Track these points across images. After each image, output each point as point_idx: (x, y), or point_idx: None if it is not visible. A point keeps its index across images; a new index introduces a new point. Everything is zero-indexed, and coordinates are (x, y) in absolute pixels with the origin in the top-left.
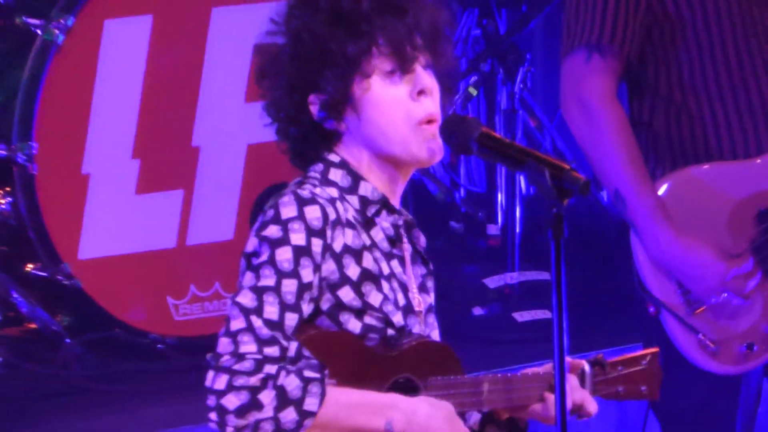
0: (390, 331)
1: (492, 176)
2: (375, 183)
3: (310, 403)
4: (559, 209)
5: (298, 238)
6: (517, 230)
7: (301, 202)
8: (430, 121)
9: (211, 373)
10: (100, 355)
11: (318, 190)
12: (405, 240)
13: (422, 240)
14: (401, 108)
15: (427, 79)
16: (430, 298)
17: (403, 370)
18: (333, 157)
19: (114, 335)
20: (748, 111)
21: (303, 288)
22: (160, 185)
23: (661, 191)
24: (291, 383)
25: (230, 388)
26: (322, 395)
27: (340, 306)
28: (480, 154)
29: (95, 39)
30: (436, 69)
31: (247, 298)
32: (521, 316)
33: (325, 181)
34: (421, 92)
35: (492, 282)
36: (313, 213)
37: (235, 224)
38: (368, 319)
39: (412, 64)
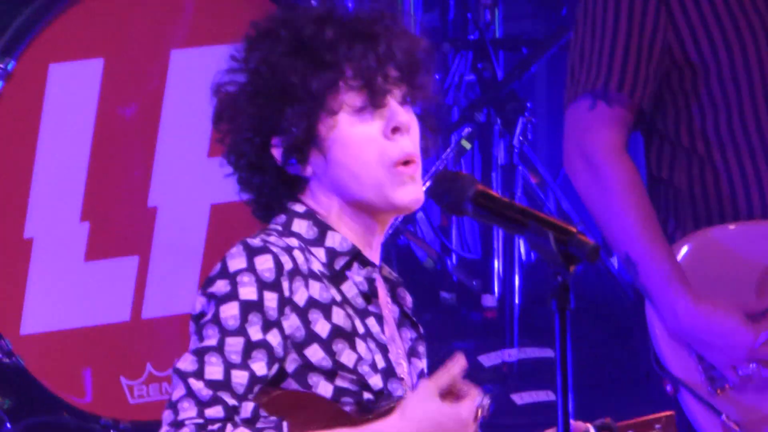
0: (367, 395)
1: (488, 240)
2: (347, 233)
3: None
4: (564, 277)
5: (247, 292)
6: (516, 301)
7: (251, 252)
8: (407, 162)
9: None
10: None
11: (272, 239)
12: (390, 301)
13: (408, 300)
14: (374, 148)
15: (404, 115)
16: (422, 364)
17: None
18: (298, 207)
19: (61, 420)
20: None
21: (252, 346)
22: (113, 251)
23: (680, 254)
24: None
25: None
26: None
27: (308, 367)
28: (475, 216)
29: (39, 85)
30: (415, 104)
31: (187, 362)
32: (521, 398)
33: (287, 233)
34: (395, 129)
35: (488, 360)
36: (264, 263)
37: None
38: (340, 382)
39: (384, 99)
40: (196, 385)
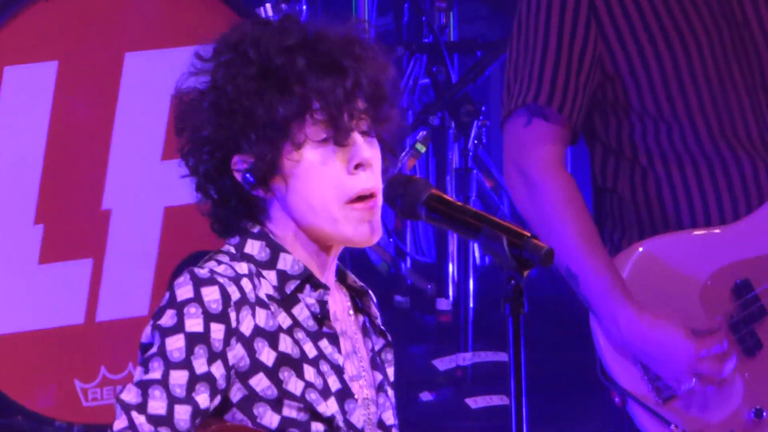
0: (316, 426)
1: (443, 244)
2: (300, 255)
3: None
4: (518, 281)
5: (193, 324)
6: (471, 305)
7: (198, 283)
8: (365, 198)
9: None
10: None
11: (221, 268)
12: (352, 312)
13: (374, 309)
14: (333, 184)
15: (367, 151)
16: (389, 371)
17: None
18: (253, 227)
19: (14, 423)
20: (722, 175)
21: (196, 379)
22: (66, 254)
23: (623, 265)
24: None
25: None
26: None
27: (253, 397)
28: (428, 220)
29: None
30: (379, 133)
31: (131, 395)
32: (475, 403)
33: (240, 256)
34: (358, 166)
35: (442, 364)
36: (210, 294)
37: (151, 297)
38: (287, 411)
39: (348, 137)
40: (138, 419)
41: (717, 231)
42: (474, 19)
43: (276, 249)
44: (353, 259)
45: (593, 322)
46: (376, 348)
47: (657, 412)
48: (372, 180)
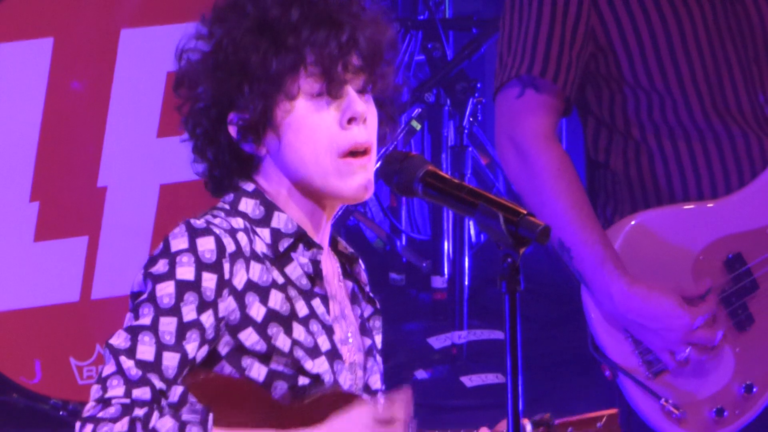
0: (302, 380)
1: (438, 222)
2: (293, 215)
3: None
4: (514, 259)
5: (185, 272)
6: (466, 283)
7: (193, 233)
8: (358, 153)
9: (77, 425)
10: None
11: (217, 221)
12: (341, 277)
13: (364, 276)
14: (326, 136)
15: (360, 105)
16: (378, 339)
17: (306, 425)
18: (247, 186)
19: (10, 400)
20: (714, 149)
21: (185, 327)
22: (62, 231)
23: (616, 238)
24: (164, 425)
25: None
26: None
27: (241, 350)
28: (425, 196)
29: None
30: (375, 94)
31: (120, 339)
32: (470, 381)
33: (234, 212)
34: (351, 120)
35: (437, 342)
36: (205, 245)
37: None
38: (275, 365)
39: (341, 88)
40: (127, 363)
41: (709, 205)
42: None
43: (270, 207)
44: (349, 237)
45: (585, 296)
46: (365, 314)
47: (647, 386)
48: (365, 135)
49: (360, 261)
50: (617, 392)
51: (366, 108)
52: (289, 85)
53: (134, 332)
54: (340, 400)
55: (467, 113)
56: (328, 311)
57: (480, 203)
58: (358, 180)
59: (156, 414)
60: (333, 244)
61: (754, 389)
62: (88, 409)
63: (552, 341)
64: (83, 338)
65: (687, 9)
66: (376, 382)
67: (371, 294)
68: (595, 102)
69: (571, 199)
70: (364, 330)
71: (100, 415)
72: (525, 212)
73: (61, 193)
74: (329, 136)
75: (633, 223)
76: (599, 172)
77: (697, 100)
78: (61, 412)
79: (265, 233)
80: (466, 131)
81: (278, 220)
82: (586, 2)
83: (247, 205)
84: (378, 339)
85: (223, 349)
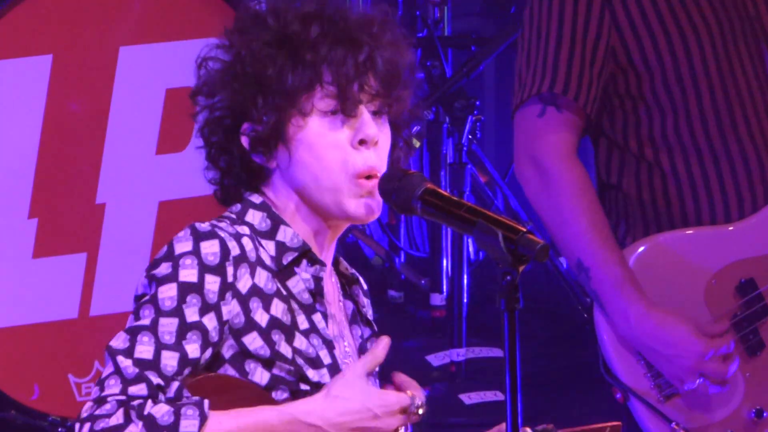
0: (304, 387)
1: (437, 239)
2: (299, 230)
3: (187, 426)
4: (513, 277)
5: (188, 274)
6: (465, 300)
7: (198, 237)
8: (368, 176)
9: (76, 426)
10: None
11: (223, 224)
12: (341, 297)
13: (363, 298)
14: (338, 155)
15: (373, 128)
16: None
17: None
18: (255, 198)
19: (8, 417)
20: (729, 172)
21: (186, 327)
22: (60, 248)
23: (628, 260)
24: (160, 410)
25: None
26: (202, 418)
27: (245, 354)
28: (424, 214)
29: None
30: (391, 117)
31: (119, 341)
32: (469, 398)
33: (240, 222)
34: (362, 141)
35: (436, 359)
36: (209, 248)
37: None
38: (278, 371)
39: (355, 108)
40: (124, 363)
41: (722, 229)
42: (468, 14)
43: (276, 221)
44: (347, 253)
45: (598, 317)
46: (364, 336)
47: (658, 410)
48: (375, 160)
49: (361, 282)
50: (625, 415)
51: (378, 131)
52: (304, 101)
53: (134, 333)
54: None
55: (466, 131)
56: (327, 327)
57: (479, 221)
58: (365, 202)
59: (150, 402)
60: (335, 263)
61: (765, 414)
62: (86, 410)
63: (551, 359)
64: (82, 355)
65: (706, 26)
66: None
67: (369, 317)
68: (608, 123)
69: (591, 220)
70: (363, 351)
71: (96, 412)
72: (524, 230)
73: (59, 209)
74: (342, 156)
75: (645, 245)
76: (611, 193)
77: (714, 118)
78: (59, 429)
79: (270, 246)
80: (464, 149)
81: (284, 234)
82: (606, 21)
83: (254, 216)
84: None
85: (227, 353)
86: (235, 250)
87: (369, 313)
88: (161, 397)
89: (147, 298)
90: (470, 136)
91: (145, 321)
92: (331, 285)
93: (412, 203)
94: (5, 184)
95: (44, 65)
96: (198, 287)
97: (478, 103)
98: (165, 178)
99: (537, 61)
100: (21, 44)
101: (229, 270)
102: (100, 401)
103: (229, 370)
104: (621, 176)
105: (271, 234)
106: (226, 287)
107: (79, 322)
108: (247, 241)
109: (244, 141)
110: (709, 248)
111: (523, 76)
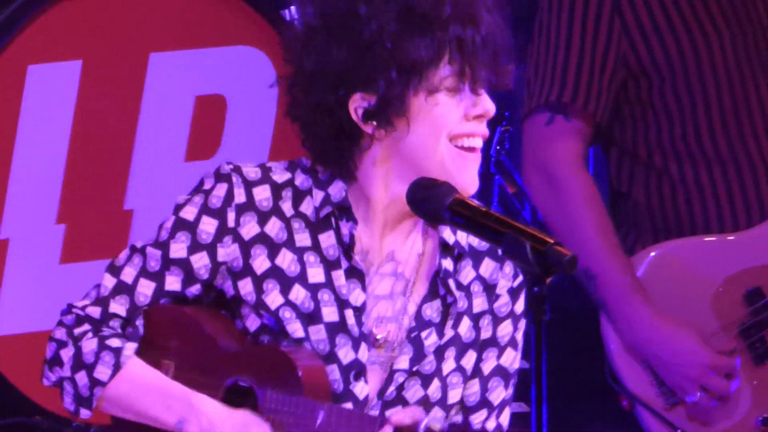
0: (284, 340)
1: None
2: (381, 199)
3: (100, 372)
4: (541, 288)
5: (189, 211)
6: None
7: (217, 178)
8: (473, 148)
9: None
10: None
11: (248, 169)
12: (414, 270)
13: (480, 303)
14: (451, 127)
15: (490, 104)
16: (423, 329)
17: (248, 372)
18: (344, 171)
19: (33, 423)
20: (736, 180)
21: (170, 262)
22: (88, 254)
23: (637, 267)
24: (88, 346)
25: (50, 338)
26: (116, 367)
27: (239, 297)
28: (452, 224)
29: (17, 87)
30: (493, 92)
31: (121, 255)
32: None
33: (303, 170)
34: (480, 116)
35: None
36: (217, 191)
37: None
38: (266, 319)
39: (482, 86)
40: (106, 280)
41: (730, 237)
42: None
43: (335, 178)
44: None
45: (605, 326)
46: (458, 308)
47: (664, 417)
48: (484, 128)
49: (502, 294)
50: (634, 422)
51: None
52: (431, 76)
53: (131, 251)
54: (274, 355)
55: (494, 141)
56: (362, 286)
57: (508, 231)
58: (471, 172)
59: (90, 334)
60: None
61: None
62: (64, 310)
63: (575, 371)
64: None
65: (717, 33)
66: (403, 362)
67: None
68: (619, 132)
69: (599, 227)
70: (419, 317)
71: (62, 318)
72: (552, 241)
73: (87, 215)
74: (453, 127)
75: (654, 253)
76: (621, 201)
77: (721, 126)
78: None
79: (318, 196)
80: (493, 159)
81: (335, 187)
82: (616, 28)
83: (322, 170)
84: (445, 363)
85: (229, 293)
86: (240, 197)
87: (468, 322)
88: (105, 330)
89: (162, 222)
90: (498, 147)
91: (146, 243)
92: (408, 245)
93: (441, 213)
94: (34, 189)
95: (74, 71)
96: (191, 226)
97: (506, 113)
98: (193, 185)
99: (546, 69)
100: (51, 49)
101: (230, 215)
102: (69, 309)
103: (244, 309)
104: (631, 184)
105: (326, 184)
106: (225, 230)
107: None
108: (261, 190)
109: (358, 110)
110: (717, 256)
111: (532, 84)
